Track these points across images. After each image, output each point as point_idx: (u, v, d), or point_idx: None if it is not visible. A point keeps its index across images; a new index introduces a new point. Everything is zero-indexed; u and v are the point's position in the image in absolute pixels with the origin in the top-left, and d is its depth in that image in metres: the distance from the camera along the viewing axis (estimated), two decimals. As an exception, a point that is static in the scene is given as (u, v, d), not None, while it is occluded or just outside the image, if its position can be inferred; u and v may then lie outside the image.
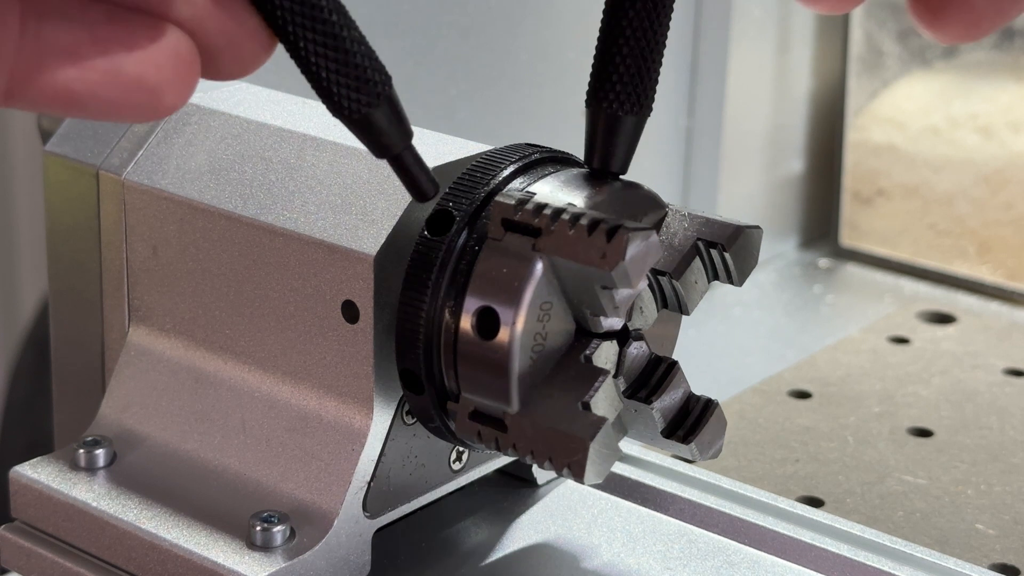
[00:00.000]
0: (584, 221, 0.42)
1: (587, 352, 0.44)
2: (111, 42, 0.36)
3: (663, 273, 0.45)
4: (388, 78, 0.40)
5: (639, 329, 0.45)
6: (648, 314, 0.46)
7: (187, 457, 0.49)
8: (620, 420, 0.45)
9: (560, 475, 0.44)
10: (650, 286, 0.45)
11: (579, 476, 0.42)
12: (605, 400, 0.43)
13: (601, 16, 0.46)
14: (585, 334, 0.44)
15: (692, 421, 0.45)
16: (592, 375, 0.43)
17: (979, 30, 0.44)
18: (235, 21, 0.38)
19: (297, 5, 0.39)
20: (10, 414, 1.04)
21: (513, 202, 0.43)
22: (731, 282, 0.46)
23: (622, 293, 0.42)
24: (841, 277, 0.86)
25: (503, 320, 0.43)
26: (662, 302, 0.46)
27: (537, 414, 0.43)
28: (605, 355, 0.44)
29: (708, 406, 0.46)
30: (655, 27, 0.44)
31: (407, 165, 0.41)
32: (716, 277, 0.46)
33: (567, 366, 0.44)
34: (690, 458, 0.46)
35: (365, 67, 0.40)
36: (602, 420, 0.42)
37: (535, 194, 0.44)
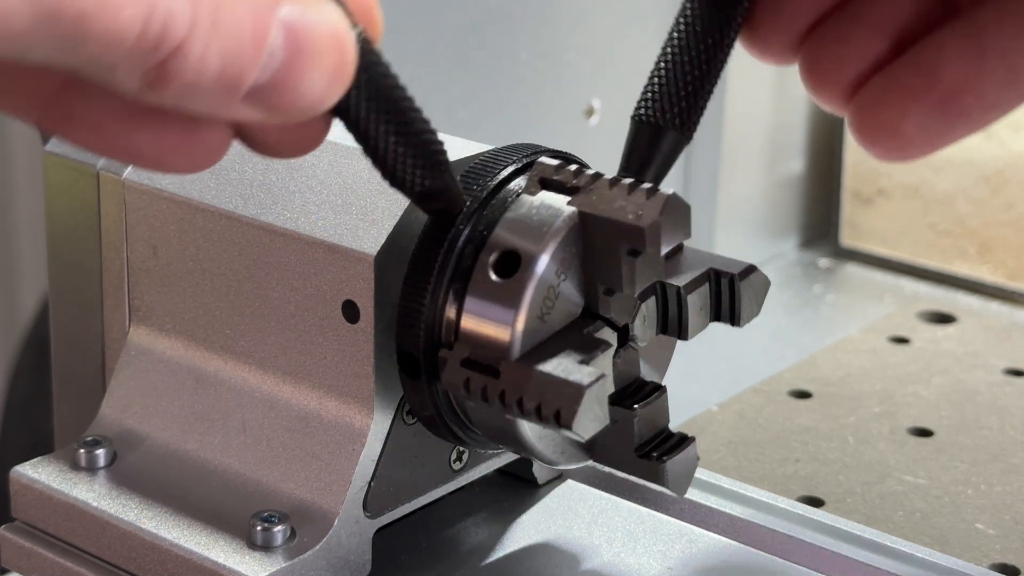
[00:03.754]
0: (626, 181, 0.43)
1: (589, 329, 0.44)
2: (136, 130, 0.36)
3: (673, 288, 0.45)
4: (442, 146, 0.41)
5: (636, 336, 0.45)
6: (649, 325, 0.45)
7: (187, 457, 0.49)
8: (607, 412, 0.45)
9: (546, 424, 0.42)
10: (656, 299, 0.45)
11: (568, 420, 0.41)
12: (604, 367, 0.43)
13: (671, 34, 0.46)
14: (589, 315, 0.44)
15: (668, 447, 0.45)
16: (593, 344, 0.43)
17: (906, 153, 0.44)
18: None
19: (372, 92, 0.38)
20: (10, 414, 1.04)
21: (555, 163, 0.44)
22: (732, 320, 0.45)
23: (641, 272, 0.42)
24: (841, 277, 0.86)
25: (525, 260, 0.43)
26: (662, 325, 0.46)
27: (533, 363, 0.42)
28: (606, 336, 0.44)
29: (684, 439, 0.45)
30: (721, 57, 0.45)
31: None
32: (718, 315, 0.45)
33: (567, 336, 0.43)
34: (658, 485, 0.45)
35: (427, 142, 0.40)
36: (601, 373, 0.42)
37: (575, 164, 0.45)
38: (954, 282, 0.83)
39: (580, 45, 0.77)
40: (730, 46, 0.45)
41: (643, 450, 0.44)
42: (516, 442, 0.45)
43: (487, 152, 0.47)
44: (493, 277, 0.43)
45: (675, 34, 0.46)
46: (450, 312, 0.44)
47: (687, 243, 0.46)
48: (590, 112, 0.78)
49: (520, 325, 0.43)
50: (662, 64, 0.46)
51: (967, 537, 0.56)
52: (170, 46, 0.33)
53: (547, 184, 0.44)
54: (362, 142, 0.40)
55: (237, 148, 0.50)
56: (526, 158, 0.46)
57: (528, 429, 0.44)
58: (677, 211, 0.42)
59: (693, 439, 0.45)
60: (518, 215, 0.44)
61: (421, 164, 0.41)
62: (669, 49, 0.46)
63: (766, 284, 0.46)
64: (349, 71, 0.36)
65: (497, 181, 0.45)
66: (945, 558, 0.50)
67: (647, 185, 0.43)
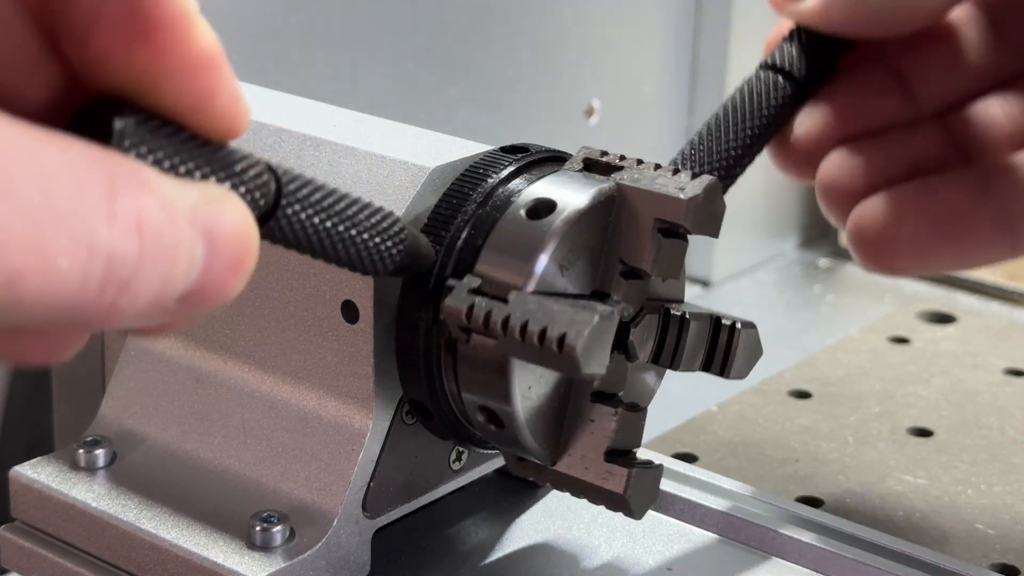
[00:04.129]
0: (669, 167, 0.44)
1: (599, 300, 0.44)
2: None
3: (677, 314, 0.45)
4: (394, 221, 0.40)
5: (632, 344, 0.45)
6: (646, 341, 0.45)
7: (187, 457, 0.49)
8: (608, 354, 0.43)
9: (545, 359, 0.41)
10: (658, 320, 0.45)
11: (573, 344, 0.40)
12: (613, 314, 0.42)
13: (740, 92, 0.50)
14: (598, 296, 0.44)
15: (639, 462, 0.44)
16: (603, 300, 0.43)
17: (895, 265, 0.47)
18: None
19: (301, 220, 0.37)
20: (10, 414, 1.04)
21: (598, 150, 0.45)
22: (722, 372, 0.46)
23: (665, 254, 0.43)
24: (841, 277, 0.86)
25: (560, 206, 0.43)
26: (656, 354, 0.46)
27: (544, 299, 0.42)
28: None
29: (652, 463, 0.45)
30: (761, 143, 0.49)
31: None
32: (708, 364, 0.46)
33: (578, 295, 0.43)
34: (619, 493, 0.44)
35: (377, 231, 0.40)
36: (611, 310, 0.41)
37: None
38: (954, 282, 0.83)
39: (580, 45, 0.77)
40: (773, 133, 0.50)
41: (613, 453, 0.44)
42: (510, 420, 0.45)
43: (484, 152, 0.47)
44: (523, 216, 0.43)
45: (729, 105, 0.49)
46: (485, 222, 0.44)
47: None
48: (590, 112, 0.78)
49: (543, 260, 0.42)
50: (707, 126, 0.49)
51: (967, 537, 0.56)
52: (115, 289, 0.30)
53: (590, 165, 0.45)
54: (314, 256, 0.38)
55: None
56: (524, 158, 0.46)
57: (522, 415, 0.44)
58: (715, 199, 0.43)
59: (661, 466, 0.45)
60: (559, 180, 0.44)
61: (379, 251, 0.40)
62: (720, 114, 0.49)
63: (760, 350, 0.47)
64: (253, 261, 0.33)
65: (494, 182, 0.45)
66: (945, 558, 0.50)
67: (690, 171, 0.43)
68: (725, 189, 0.48)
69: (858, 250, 0.47)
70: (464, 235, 0.44)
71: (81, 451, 0.49)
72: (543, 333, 0.40)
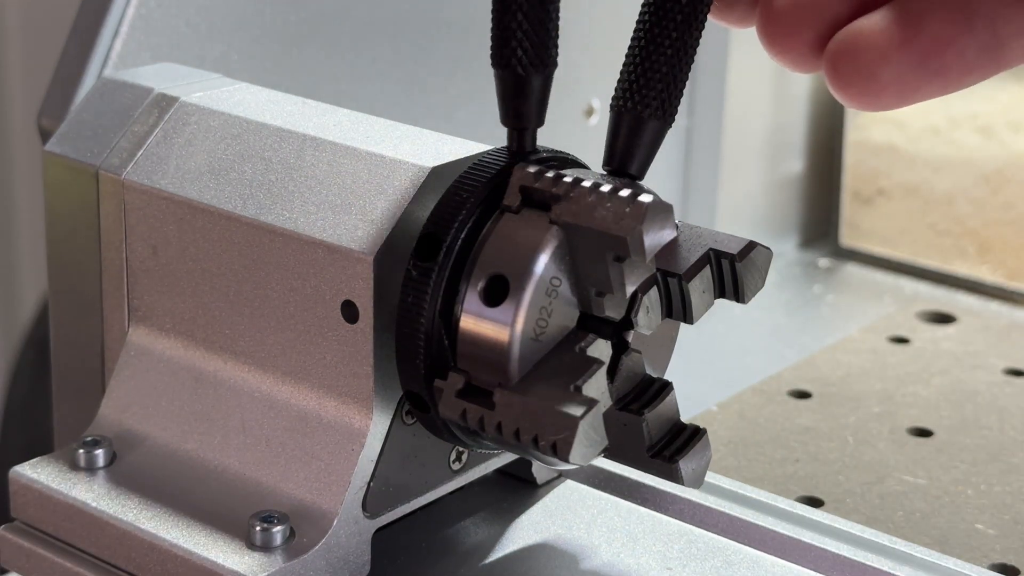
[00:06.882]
0: (604, 188, 0.42)
1: (582, 344, 0.44)
2: None
3: (674, 275, 0.45)
4: None
5: (638, 325, 0.45)
6: (653, 317, 0.45)
7: (187, 457, 0.49)
8: (603, 435, 0.45)
9: (541, 455, 0.43)
10: (658, 288, 0.45)
11: (564, 454, 0.42)
12: (597, 387, 0.43)
13: (639, 20, 0.45)
14: (584, 326, 0.44)
15: (680, 444, 0.45)
16: (586, 363, 0.43)
17: (880, 101, 0.44)
18: None
19: None
20: (10, 414, 1.04)
21: (533, 171, 0.43)
22: (737, 298, 0.45)
23: (630, 272, 0.42)
24: (841, 277, 0.86)
25: (512, 287, 0.43)
26: (667, 310, 0.46)
27: (527, 392, 0.43)
28: (599, 350, 0.44)
29: (696, 432, 0.45)
30: (693, 39, 0.45)
31: None
32: (723, 292, 0.45)
33: (560, 355, 0.44)
34: (672, 482, 0.45)
35: None
36: (594, 401, 0.42)
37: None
38: (954, 282, 0.83)
39: (580, 45, 0.77)
40: (703, 21, 0.46)
41: (655, 450, 0.44)
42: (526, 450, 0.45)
43: (484, 152, 0.47)
44: (483, 305, 0.43)
45: (646, 15, 0.45)
46: (447, 337, 0.44)
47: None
48: (590, 112, 0.78)
49: (515, 352, 0.43)
50: (637, 48, 0.45)
51: (967, 537, 0.56)
52: None
53: (527, 193, 0.44)
54: None
55: (237, 148, 0.50)
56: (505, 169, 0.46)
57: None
58: (659, 214, 0.42)
59: (704, 432, 0.45)
60: (502, 236, 0.44)
61: None
62: (642, 31, 0.45)
63: (768, 257, 0.46)
64: None
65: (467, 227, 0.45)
66: (945, 558, 0.50)
67: (626, 192, 0.42)
68: (676, 104, 0.46)
69: (841, 88, 0.44)
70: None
71: (81, 451, 0.49)
72: (536, 439, 0.42)
